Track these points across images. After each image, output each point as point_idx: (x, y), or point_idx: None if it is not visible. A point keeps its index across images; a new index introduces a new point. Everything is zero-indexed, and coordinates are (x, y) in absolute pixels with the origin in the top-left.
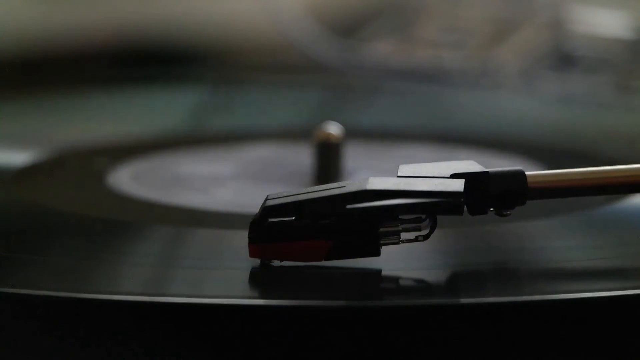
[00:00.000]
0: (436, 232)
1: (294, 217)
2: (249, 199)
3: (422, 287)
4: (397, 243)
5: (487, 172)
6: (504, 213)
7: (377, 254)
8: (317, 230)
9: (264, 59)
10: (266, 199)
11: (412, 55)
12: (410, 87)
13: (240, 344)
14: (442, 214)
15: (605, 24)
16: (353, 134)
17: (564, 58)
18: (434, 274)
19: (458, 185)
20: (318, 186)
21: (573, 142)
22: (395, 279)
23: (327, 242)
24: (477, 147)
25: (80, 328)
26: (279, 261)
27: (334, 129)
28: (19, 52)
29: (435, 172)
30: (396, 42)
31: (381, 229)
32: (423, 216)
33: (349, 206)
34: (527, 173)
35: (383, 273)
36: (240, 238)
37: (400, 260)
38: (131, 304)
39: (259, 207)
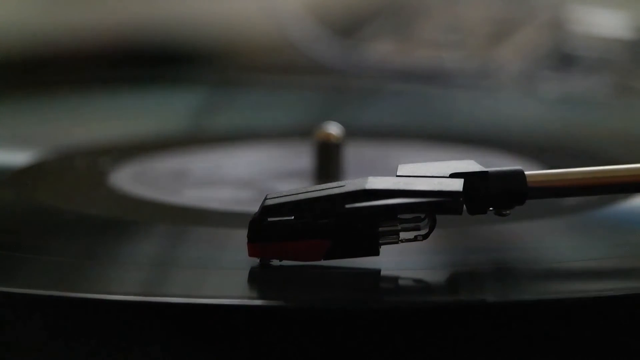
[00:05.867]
0: (435, 231)
1: (293, 217)
2: (248, 199)
3: (421, 287)
4: (396, 242)
5: (487, 171)
6: (503, 213)
7: (376, 253)
8: (316, 230)
9: (264, 59)
10: (265, 199)
11: (412, 55)
12: (410, 87)
13: (239, 344)
14: (441, 213)
15: (605, 24)
16: (353, 134)
17: (564, 58)
18: (433, 274)
19: (457, 184)
20: (317, 185)
21: (573, 142)
22: (394, 279)
23: (327, 242)
24: (477, 147)
25: (80, 328)
26: (278, 261)
27: (334, 129)
28: (19, 52)
29: (435, 171)
30: (396, 42)
31: (380, 229)
32: (422, 216)
33: (348, 206)
34: (526, 173)
35: (382, 273)
36: (240, 237)
37: (400, 259)
38: (130, 304)
39: (259, 206)
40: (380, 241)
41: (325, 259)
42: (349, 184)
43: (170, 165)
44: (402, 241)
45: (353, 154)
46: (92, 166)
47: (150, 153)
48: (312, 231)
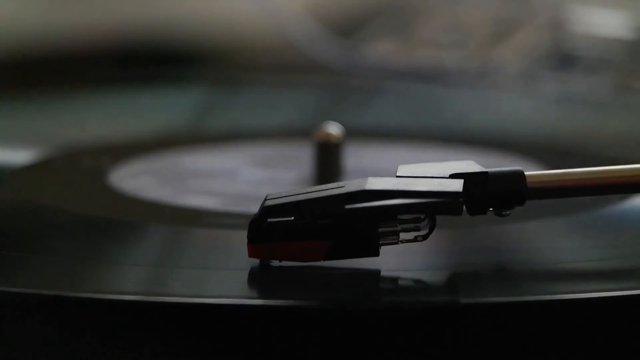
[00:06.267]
0: (435, 232)
1: (293, 217)
2: (248, 199)
3: (421, 288)
4: (396, 243)
5: (487, 172)
6: (503, 213)
7: (376, 254)
8: (316, 231)
9: (264, 59)
10: (265, 199)
11: (412, 55)
12: (410, 87)
13: (239, 344)
14: (441, 214)
15: (605, 24)
16: (353, 134)
17: (564, 58)
18: (433, 275)
19: (457, 185)
20: (317, 186)
21: (573, 142)
22: (394, 279)
23: (327, 242)
24: (477, 147)
25: (80, 328)
26: (278, 261)
27: (334, 129)
28: (19, 52)
29: (435, 172)
30: (396, 42)
31: (380, 229)
32: (422, 216)
33: (348, 206)
34: (526, 173)
35: (382, 273)
36: (240, 238)
37: (400, 260)
38: (130, 304)
39: (259, 207)
40: (380, 242)
41: (325, 260)
42: (349, 185)
43: (170, 165)
44: (402, 242)
45: (353, 154)
46: (92, 166)
47: (150, 153)
48: (312, 232)
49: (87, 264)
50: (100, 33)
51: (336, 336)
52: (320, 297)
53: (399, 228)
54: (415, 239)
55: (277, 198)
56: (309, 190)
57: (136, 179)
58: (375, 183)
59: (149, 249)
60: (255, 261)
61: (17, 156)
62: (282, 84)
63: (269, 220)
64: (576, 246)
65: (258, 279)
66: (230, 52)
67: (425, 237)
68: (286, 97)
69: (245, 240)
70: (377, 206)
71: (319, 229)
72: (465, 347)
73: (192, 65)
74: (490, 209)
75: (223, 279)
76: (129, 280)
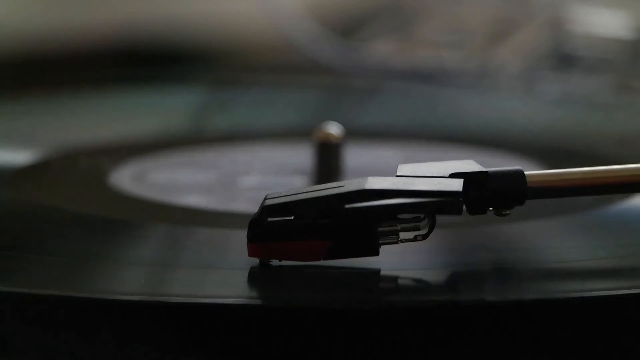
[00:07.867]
0: (435, 231)
1: (292, 217)
2: (248, 199)
3: (421, 287)
4: (396, 243)
5: (487, 171)
6: (503, 213)
7: (376, 253)
8: (316, 230)
9: (264, 59)
10: (265, 199)
11: (412, 55)
12: (410, 87)
13: (239, 344)
14: (441, 213)
15: (605, 24)
16: (353, 134)
17: (564, 58)
18: (433, 274)
19: (457, 185)
20: (317, 186)
21: (573, 142)
22: (394, 279)
23: (326, 242)
24: (477, 147)
25: (80, 328)
26: (277, 261)
27: (334, 129)
28: (19, 52)
29: (434, 171)
30: (396, 42)
31: (380, 229)
32: (422, 216)
33: (347, 206)
34: (526, 173)
35: (382, 273)
36: (240, 237)
37: (399, 260)
38: (130, 304)
39: (258, 206)
40: (379, 241)
41: (324, 259)
42: (348, 184)
43: (170, 165)
44: (401, 241)
45: (353, 154)
46: (92, 166)
47: (150, 153)
48: (312, 231)
49: (87, 264)
50: (100, 33)
51: (336, 336)
52: (320, 297)
53: (398, 227)
54: (415, 239)
55: (277, 197)
56: (309, 190)
57: (136, 179)
58: (375, 182)
59: (149, 248)
60: (255, 261)
61: (17, 156)
62: (282, 84)
63: (269, 219)
64: (576, 246)
65: (258, 279)
66: (230, 52)
67: (425, 237)
68: (286, 97)
69: (245, 240)
70: (376, 206)
71: (319, 229)
72: (465, 347)
73: (192, 65)
74: (490, 208)
75: (223, 279)
76: (129, 280)
